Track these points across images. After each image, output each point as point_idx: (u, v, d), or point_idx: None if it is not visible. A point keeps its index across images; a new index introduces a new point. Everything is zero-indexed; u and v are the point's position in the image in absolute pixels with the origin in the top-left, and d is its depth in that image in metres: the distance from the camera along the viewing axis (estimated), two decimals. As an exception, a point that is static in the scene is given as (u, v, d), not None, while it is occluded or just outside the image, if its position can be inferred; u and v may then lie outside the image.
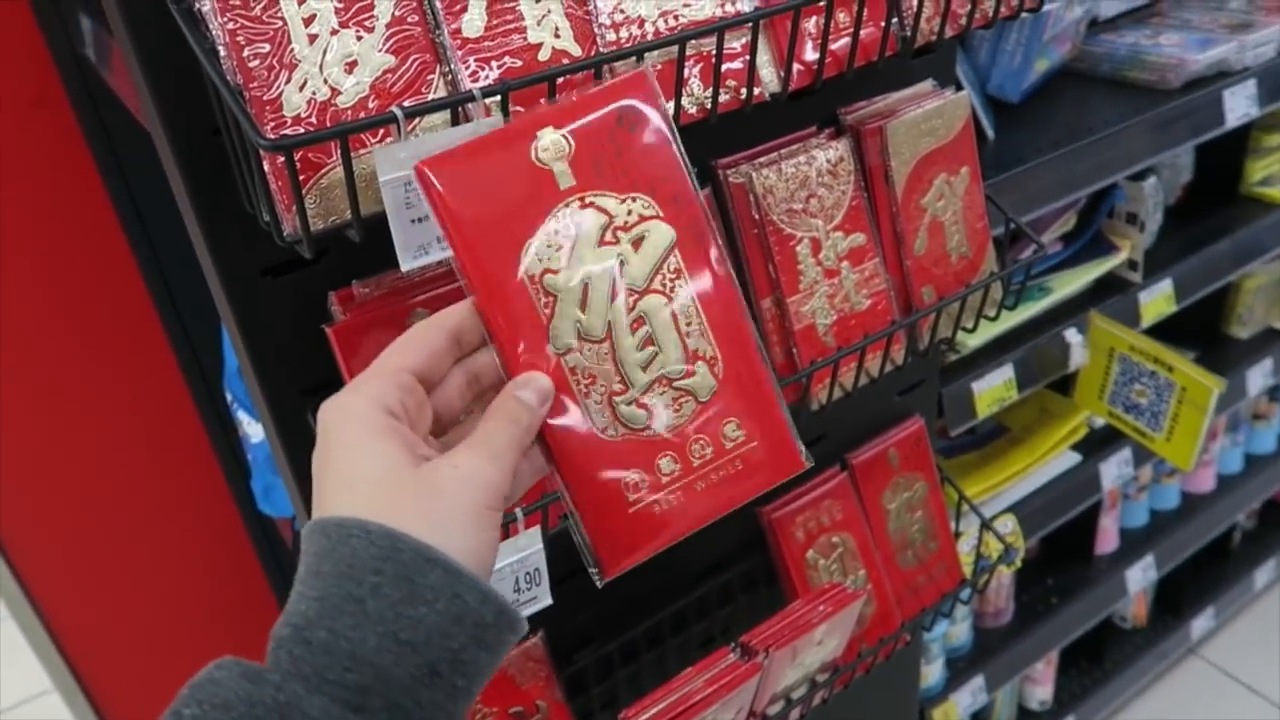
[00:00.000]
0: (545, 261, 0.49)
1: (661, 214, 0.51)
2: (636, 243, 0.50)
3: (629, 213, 0.50)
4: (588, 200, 0.49)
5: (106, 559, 1.50)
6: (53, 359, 1.34)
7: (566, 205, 0.49)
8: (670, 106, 0.66)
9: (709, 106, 0.67)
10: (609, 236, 0.50)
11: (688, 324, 0.52)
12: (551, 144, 0.49)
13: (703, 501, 0.53)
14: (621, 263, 0.50)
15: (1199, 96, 1.33)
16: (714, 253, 0.52)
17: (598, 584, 0.51)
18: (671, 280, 0.51)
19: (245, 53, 0.53)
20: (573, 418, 0.50)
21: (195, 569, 1.57)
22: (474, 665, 0.43)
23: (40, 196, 1.26)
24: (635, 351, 0.51)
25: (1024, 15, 0.87)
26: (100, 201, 1.28)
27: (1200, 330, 1.80)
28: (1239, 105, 1.36)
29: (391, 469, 0.44)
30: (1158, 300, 1.45)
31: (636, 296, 0.51)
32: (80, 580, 1.49)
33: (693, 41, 0.64)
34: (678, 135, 0.52)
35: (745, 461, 0.53)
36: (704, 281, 0.52)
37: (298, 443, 0.73)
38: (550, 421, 0.50)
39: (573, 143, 0.49)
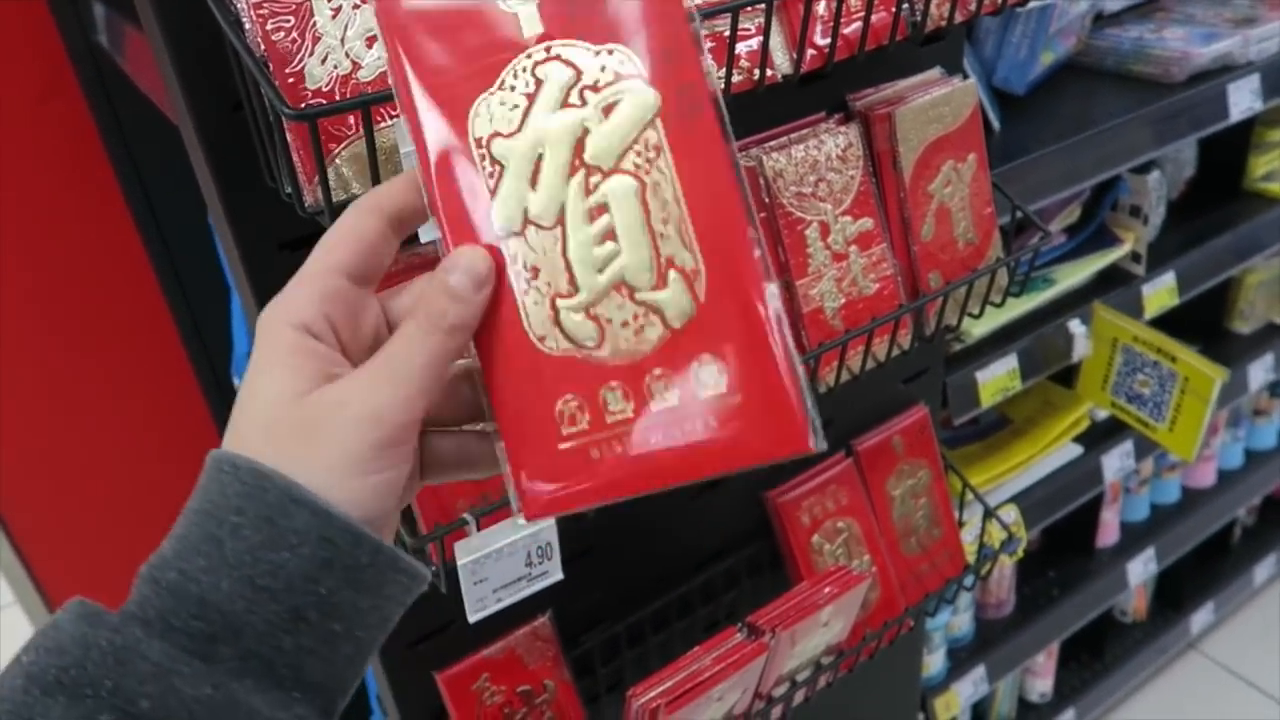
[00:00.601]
0: (496, 123, 0.41)
1: (644, 74, 0.40)
2: (608, 108, 0.40)
3: (602, 69, 0.40)
4: (553, 51, 0.41)
5: (112, 546, 1.50)
6: (61, 347, 1.35)
7: (529, 56, 0.41)
8: None
9: (722, 86, 0.68)
10: (574, 98, 0.40)
11: (664, 220, 0.40)
12: None
13: (651, 461, 0.41)
14: (585, 132, 0.40)
15: (1203, 90, 1.34)
16: (715, 132, 0.40)
17: (521, 520, 0.43)
18: (649, 161, 0.40)
19: (269, 26, 0.54)
20: (506, 314, 0.41)
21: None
22: (350, 608, 0.39)
23: (51, 184, 1.26)
24: (591, 247, 0.40)
25: (1031, 4, 0.88)
26: (111, 188, 1.29)
27: (1202, 325, 1.81)
28: (1243, 99, 1.37)
29: (280, 397, 0.40)
30: (1160, 293, 1.46)
31: (600, 176, 0.40)
32: (86, 567, 1.49)
33: (707, 21, 0.65)
34: None
35: (721, 420, 0.40)
36: (694, 169, 0.40)
37: (312, 418, 0.74)
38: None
39: None
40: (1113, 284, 1.45)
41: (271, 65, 0.54)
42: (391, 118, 0.57)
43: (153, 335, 1.40)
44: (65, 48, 1.21)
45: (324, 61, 0.56)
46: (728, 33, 0.66)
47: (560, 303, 0.41)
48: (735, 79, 0.69)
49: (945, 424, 1.33)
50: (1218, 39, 1.36)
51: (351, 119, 0.56)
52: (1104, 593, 1.75)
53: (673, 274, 0.40)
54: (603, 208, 0.40)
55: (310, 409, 0.39)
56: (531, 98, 0.41)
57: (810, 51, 0.73)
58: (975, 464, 1.44)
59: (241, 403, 0.41)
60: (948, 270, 0.94)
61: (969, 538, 1.20)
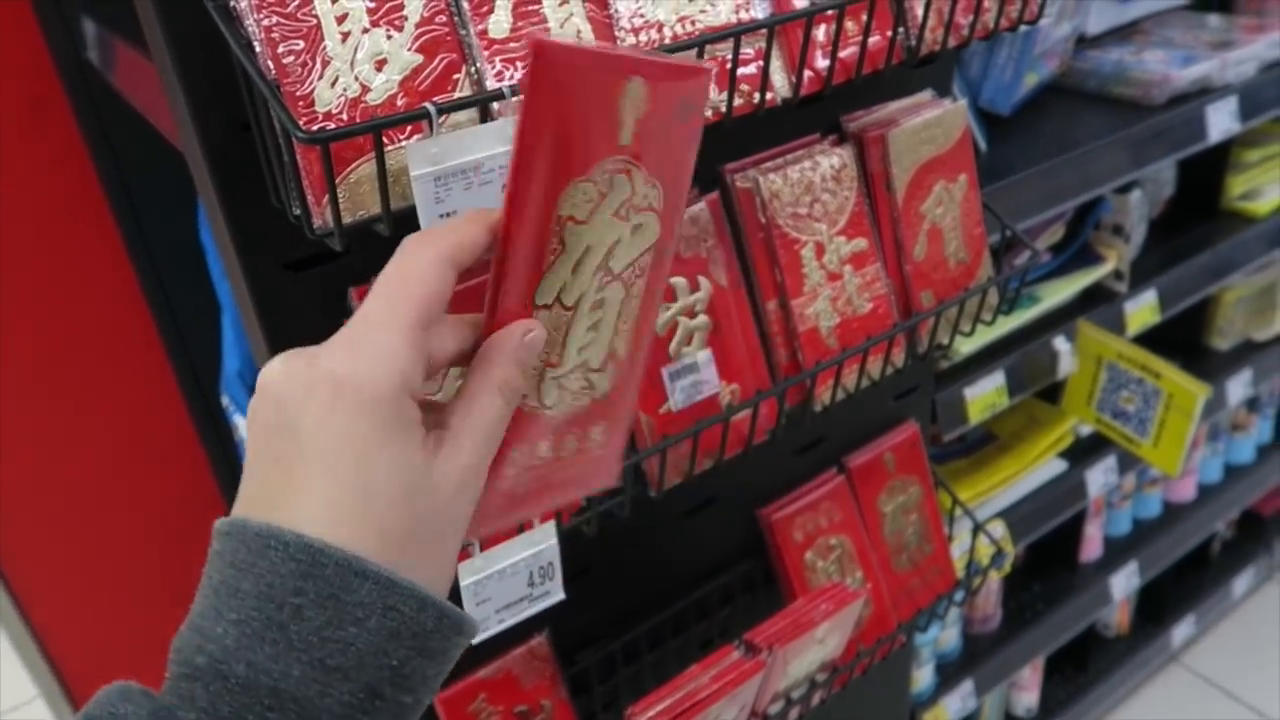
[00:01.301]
0: (575, 208, 0.45)
1: (660, 211, 0.48)
2: (635, 228, 0.47)
3: (645, 196, 0.47)
4: (627, 166, 0.46)
5: (95, 565, 1.49)
6: (46, 364, 1.34)
7: (614, 160, 0.45)
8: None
9: (724, 110, 0.69)
10: (623, 211, 0.46)
11: (625, 324, 0.49)
12: (637, 99, 0.45)
13: (546, 496, 0.51)
14: (617, 241, 0.47)
15: (1182, 112, 1.37)
16: (666, 274, 0.51)
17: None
18: (635, 279, 0.48)
19: (280, 49, 0.54)
20: None
21: (185, 576, 1.56)
22: (419, 677, 0.39)
23: (39, 200, 1.25)
24: (586, 332, 0.48)
25: (1020, 29, 0.90)
26: (99, 205, 1.28)
27: (1181, 342, 1.84)
28: (1221, 121, 1.39)
29: (411, 487, 0.39)
30: (1143, 310, 1.49)
31: (610, 279, 0.47)
32: (68, 586, 1.48)
33: (710, 45, 0.66)
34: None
35: (589, 465, 0.52)
36: (648, 294, 0.50)
37: (313, 438, 0.73)
38: None
39: (649, 107, 0.45)
40: (1096, 301, 1.47)
41: (281, 88, 0.55)
42: (400, 141, 0.57)
43: (140, 355, 1.39)
44: (54, 64, 1.20)
45: (333, 85, 0.56)
46: (729, 57, 0.67)
47: (548, 371, 0.48)
48: (736, 103, 0.70)
49: (934, 440, 1.34)
50: (1196, 62, 1.39)
51: (360, 141, 0.56)
52: (1088, 606, 1.77)
53: (610, 364, 0.50)
54: (600, 304, 0.48)
55: (445, 493, 0.41)
56: (603, 197, 0.46)
57: (809, 75, 0.74)
58: (962, 480, 1.45)
59: (352, 484, 0.39)
60: (940, 289, 0.95)
61: (957, 553, 1.21)
